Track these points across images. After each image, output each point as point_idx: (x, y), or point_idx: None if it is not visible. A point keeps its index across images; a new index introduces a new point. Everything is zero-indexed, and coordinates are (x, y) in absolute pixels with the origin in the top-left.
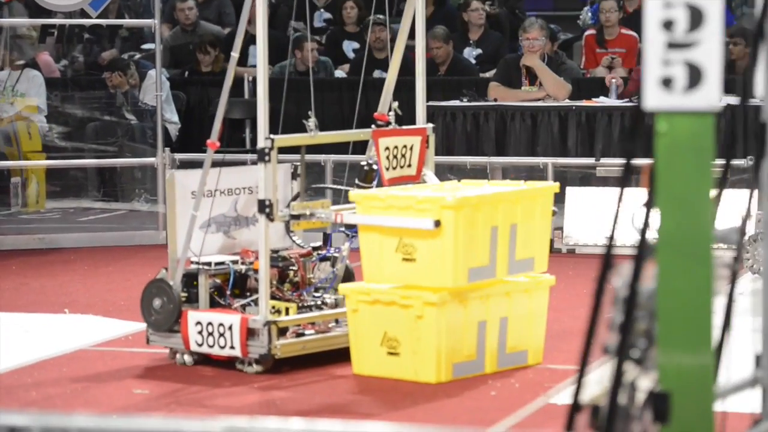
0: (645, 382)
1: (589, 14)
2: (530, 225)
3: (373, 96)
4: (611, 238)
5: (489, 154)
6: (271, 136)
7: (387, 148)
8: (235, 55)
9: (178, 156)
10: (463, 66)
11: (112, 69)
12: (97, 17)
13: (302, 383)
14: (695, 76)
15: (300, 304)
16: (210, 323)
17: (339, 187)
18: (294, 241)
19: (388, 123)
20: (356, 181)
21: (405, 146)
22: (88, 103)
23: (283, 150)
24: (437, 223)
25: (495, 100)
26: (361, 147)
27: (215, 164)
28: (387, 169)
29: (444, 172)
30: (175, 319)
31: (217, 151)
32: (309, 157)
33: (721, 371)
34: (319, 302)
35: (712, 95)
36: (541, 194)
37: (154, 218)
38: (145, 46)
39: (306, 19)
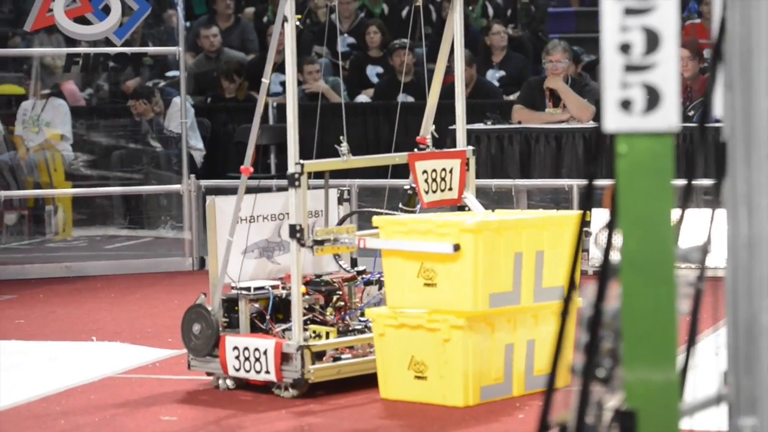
0: (611, 401)
1: None
2: (559, 252)
3: (398, 120)
4: (576, 259)
5: (514, 176)
6: (301, 161)
7: (425, 172)
8: (265, 81)
9: (204, 182)
10: (487, 89)
11: (137, 97)
12: (122, 45)
13: (334, 408)
14: (653, 98)
15: (341, 329)
16: (246, 348)
17: (382, 211)
18: (340, 266)
19: (428, 147)
20: (400, 205)
21: (444, 169)
22: (113, 131)
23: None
24: (457, 247)
25: (519, 122)
26: (396, 172)
27: (250, 190)
28: (426, 192)
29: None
30: (213, 344)
31: (238, 177)
32: (333, 181)
33: (687, 389)
34: (362, 326)
35: (670, 116)
36: (571, 222)
37: (180, 245)
38: (169, 74)
39: (328, 43)
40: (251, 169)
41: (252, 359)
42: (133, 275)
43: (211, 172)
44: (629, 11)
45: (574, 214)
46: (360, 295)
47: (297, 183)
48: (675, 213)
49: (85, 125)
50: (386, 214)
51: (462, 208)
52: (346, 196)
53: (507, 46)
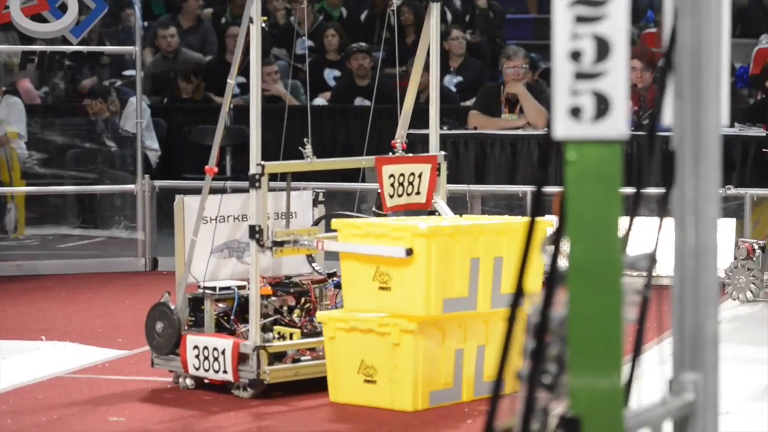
0: (558, 408)
1: None
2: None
3: (354, 124)
4: (523, 266)
5: (468, 182)
6: (262, 162)
7: (391, 176)
8: (230, 82)
9: (158, 183)
10: (444, 94)
11: (93, 96)
12: (78, 44)
13: (285, 410)
14: (603, 105)
15: (307, 331)
16: (206, 347)
17: (355, 214)
18: (313, 268)
19: (400, 150)
20: (373, 209)
21: (413, 174)
22: (69, 130)
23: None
24: (409, 252)
25: (475, 128)
26: (372, 176)
27: (213, 191)
28: (390, 196)
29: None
30: (175, 342)
31: (197, 178)
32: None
33: (633, 397)
34: None
35: (619, 124)
36: (534, 228)
37: (133, 245)
38: (126, 73)
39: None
40: (216, 169)
41: (211, 359)
42: (86, 275)
43: (166, 172)
44: (580, 19)
45: (538, 221)
46: (333, 298)
47: (258, 184)
48: (623, 221)
49: (40, 124)
50: (354, 216)
51: (432, 212)
52: (321, 198)
53: (465, 51)
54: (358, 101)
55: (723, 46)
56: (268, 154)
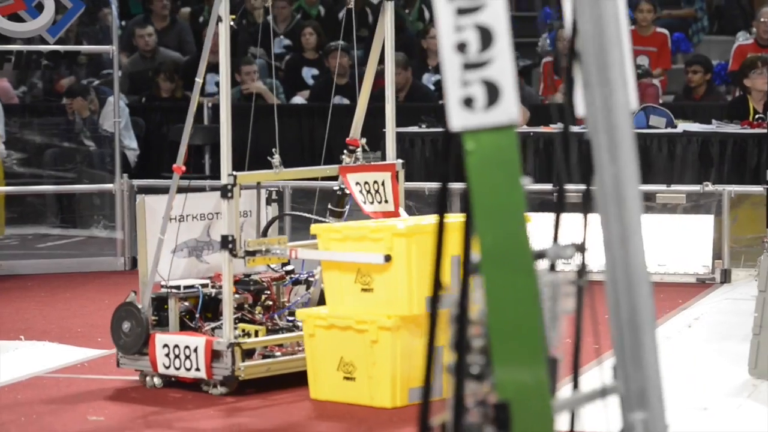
0: (493, 398)
1: (548, 41)
2: None
3: (333, 122)
4: (438, 259)
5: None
6: (234, 173)
7: (358, 183)
8: (198, 80)
9: (137, 182)
10: (422, 92)
11: (72, 95)
12: (55, 43)
13: (263, 406)
14: (493, 92)
15: (270, 327)
16: (177, 346)
17: (310, 215)
18: (269, 266)
19: (360, 148)
20: (329, 206)
21: (376, 182)
22: (47, 129)
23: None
24: (388, 258)
25: None
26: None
27: (181, 189)
28: (364, 203)
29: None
30: (143, 341)
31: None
32: (268, 183)
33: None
34: (290, 325)
35: (510, 109)
36: None
37: (113, 245)
38: (104, 72)
39: (264, 45)
40: (183, 168)
41: (182, 357)
42: (65, 274)
43: (145, 171)
44: (461, 11)
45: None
46: (288, 294)
47: (230, 194)
48: (549, 219)
49: (18, 123)
50: (316, 218)
51: None
52: (274, 196)
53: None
54: (337, 99)
55: (623, 29)
56: (245, 155)
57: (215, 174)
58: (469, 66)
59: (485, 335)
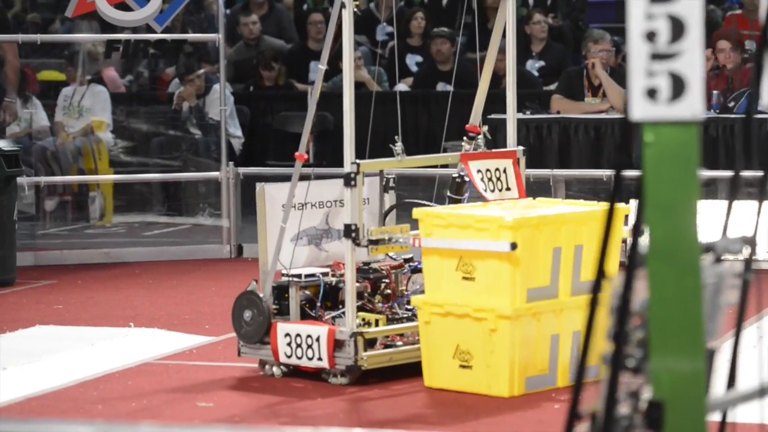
0: (647, 392)
1: None
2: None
3: (437, 109)
4: (603, 249)
5: (552, 167)
6: (357, 161)
7: (479, 171)
8: (322, 67)
9: (242, 170)
10: (526, 79)
11: (184, 79)
12: (162, 32)
13: (384, 396)
14: (678, 86)
15: (390, 316)
16: (299, 335)
17: (430, 203)
18: (387, 254)
19: (479, 135)
20: (447, 194)
21: (498, 169)
22: (153, 117)
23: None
24: (514, 246)
25: (558, 112)
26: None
27: (303, 177)
28: (485, 190)
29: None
30: (265, 330)
31: (280, 165)
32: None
33: (729, 380)
34: (410, 314)
35: (695, 105)
36: (613, 215)
37: (218, 232)
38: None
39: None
40: (306, 156)
41: (304, 346)
42: (171, 262)
43: (249, 159)
44: None
45: (620, 207)
46: (406, 283)
47: (353, 182)
48: (721, 206)
49: (125, 112)
50: (429, 205)
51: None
52: (392, 184)
53: (547, 35)
54: (441, 86)
55: None
56: (359, 144)
57: (319, 162)
58: (656, 56)
59: (645, 328)
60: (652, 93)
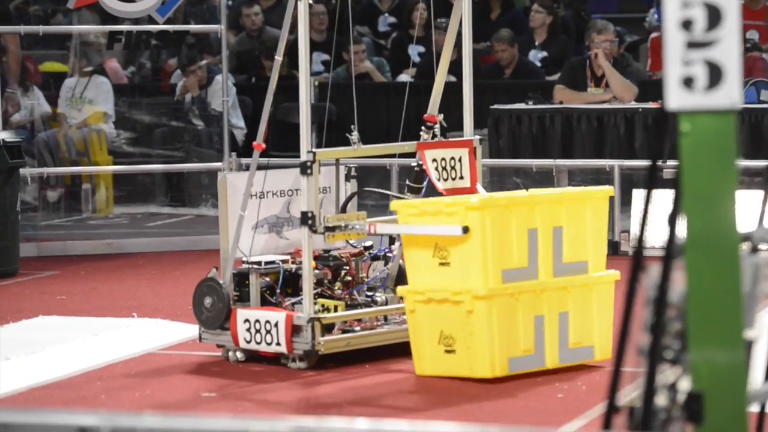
0: (685, 384)
1: (656, 16)
2: (580, 228)
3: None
4: (641, 239)
5: (555, 157)
6: (313, 149)
7: (434, 160)
8: (278, 58)
9: (245, 161)
10: (529, 69)
11: (185, 71)
12: (164, 23)
13: (341, 379)
14: (715, 75)
15: (349, 303)
16: (257, 321)
17: (388, 192)
18: (347, 241)
19: (438, 124)
20: (407, 182)
21: (453, 158)
22: (156, 108)
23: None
24: (465, 230)
25: (561, 102)
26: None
27: (262, 167)
28: (438, 180)
29: (510, 176)
30: (224, 317)
31: (279, 156)
32: (374, 160)
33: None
34: (369, 300)
35: (732, 94)
36: (592, 197)
37: None
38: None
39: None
40: (263, 145)
41: (263, 331)
42: (174, 252)
43: (251, 150)
44: None
45: (597, 190)
46: (366, 270)
47: (309, 171)
48: (752, 195)
49: (127, 103)
50: (394, 195)
51: None
52: (353, 173)
53: (550, 26)
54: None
55: None
56: (360, 131)
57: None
58: (693, 45)
59: (682, 318)
60: (688, 82)
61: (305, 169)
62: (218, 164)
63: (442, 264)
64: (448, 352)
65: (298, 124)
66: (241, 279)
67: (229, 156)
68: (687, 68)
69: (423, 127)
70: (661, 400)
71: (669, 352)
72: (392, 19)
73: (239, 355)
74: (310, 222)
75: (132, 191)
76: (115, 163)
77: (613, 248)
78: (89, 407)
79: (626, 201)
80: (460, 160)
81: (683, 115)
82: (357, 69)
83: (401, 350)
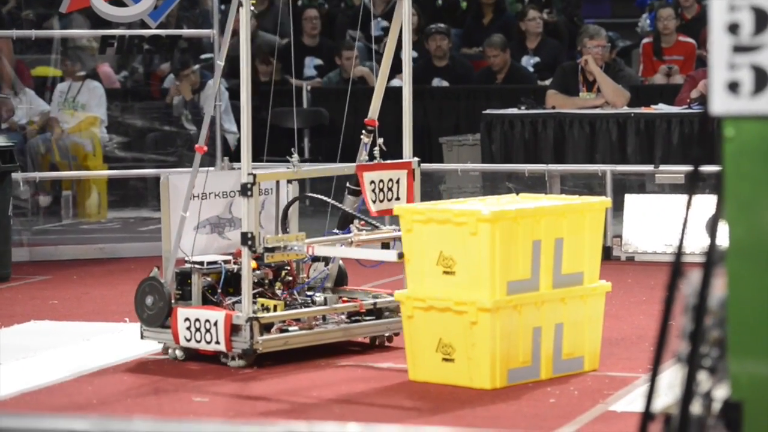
0: (721, 392)
1: (648, 21)
2: (579, 239)
3: (432, 104)
4: (681, 245)
5: (547, 161)
6: (253, 171)
7: (372, 182)
8: (220, 63)
9: (237, 165)
10: (521, 74)
11: (178, 75)
12: (156, 28)
13: (281, 377)
14: (761, 79)
15: (289, 302)
16: (197, 319)
17: (328, 199)
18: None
19: (376, 126)
20: (347, 184)
21: (391, 180)
22: (148, 113)
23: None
24: (401, 255)
25: (553, 107)
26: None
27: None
28: (373, 201)
29: (502, 180)
30: (165, 315)
31: (275, 161)
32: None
33: None
34: (308, 300)
35: None
36: (591, 209)
37: None
38: (203, 56)
39: (359, 27)
40: (205, 148)
41: (203, 330)
42: None
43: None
44: None
45: (595, 201)
46: (307, 270)
47: (249, 193)
48: None
49: (120, 107)
50: (333, 202)
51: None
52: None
53: (542, 31)
54: (436, 82)
55: None
56: (353, 135)
57: (315, 157)
58: (739, 49)
59: (722, 326)
60: (733, 86)
61: (246, 191)
62: (211, 169)
63: (446, 272)
64: (446, 360)
65: (292, 129)
66: (183, 278)
67: (222, 161)
68: (732, 72)
69: (363, 131)
70: (695, 408)
71: (707, 360)
72: (385, 23)
73: (179, 353)
74: (249, 243)
75: (124, 196)
76: (107, 168)
77: (606, 253)
78: (81, 412)
79: (618, 206)
80: (397, 182)
81: (727, 120)
82: (348, 75)
83: (341, 349)
